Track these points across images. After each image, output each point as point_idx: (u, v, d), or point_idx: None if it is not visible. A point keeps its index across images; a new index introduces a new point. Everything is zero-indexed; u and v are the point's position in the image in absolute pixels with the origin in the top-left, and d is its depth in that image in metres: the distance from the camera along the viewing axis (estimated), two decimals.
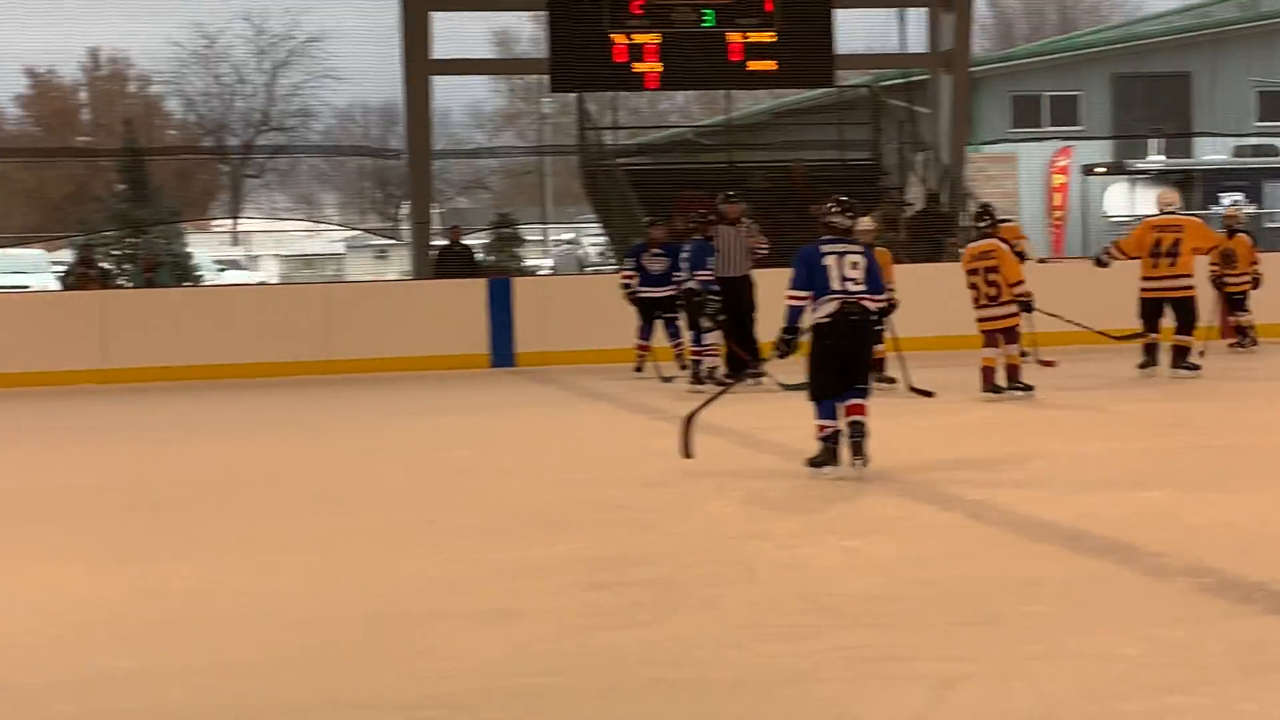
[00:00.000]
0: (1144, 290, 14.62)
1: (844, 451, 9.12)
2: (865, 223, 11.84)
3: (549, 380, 16.92)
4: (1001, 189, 33.44)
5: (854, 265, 9.20)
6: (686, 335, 15.72)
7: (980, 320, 13.14)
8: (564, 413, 13.97)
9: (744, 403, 13.55)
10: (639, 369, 16.81)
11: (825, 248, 9.29)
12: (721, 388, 11.50)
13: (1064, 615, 5.66)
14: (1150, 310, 14.65)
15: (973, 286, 13.13)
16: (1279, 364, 15.83)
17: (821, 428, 9.20)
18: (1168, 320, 14.64)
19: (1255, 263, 17.71)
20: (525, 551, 7.17)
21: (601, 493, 8.95)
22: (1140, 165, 34.26)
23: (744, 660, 5.23)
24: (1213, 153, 35.81)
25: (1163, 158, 34.89)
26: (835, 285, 9.14)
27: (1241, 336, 17.55)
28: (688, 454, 9.33)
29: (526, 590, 6.36)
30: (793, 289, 9.29)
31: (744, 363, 14.86)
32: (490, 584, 6.51)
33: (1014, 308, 12.95)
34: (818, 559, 6.82)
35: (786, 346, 9.38)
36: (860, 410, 9.11)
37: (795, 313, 9.31)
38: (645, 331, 16.85)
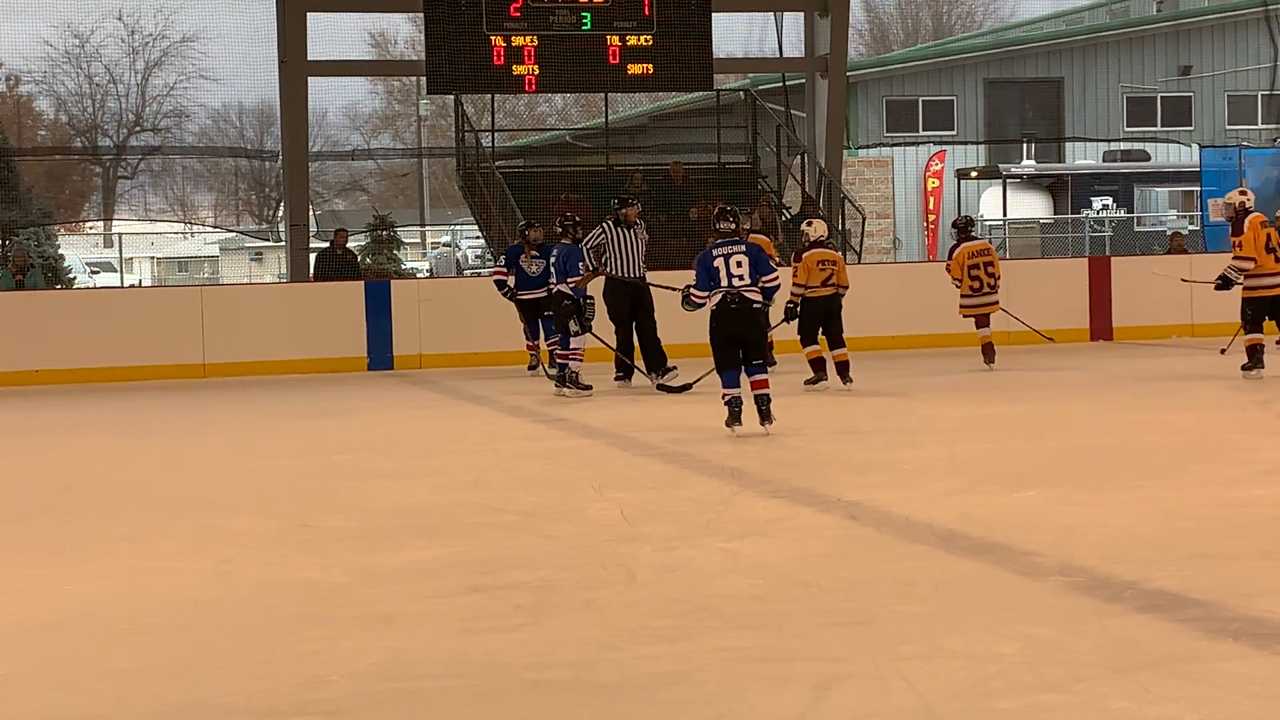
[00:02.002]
0: (1260, 289, 13.95)
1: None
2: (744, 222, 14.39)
3: (426, 383, 16.84)
4: (877, 193, 33.76)
5: (739, 264, 11.01)
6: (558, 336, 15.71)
7: (975, 307, 15.80)
8: (441, 416, 13.90)
9: (623, 405, 13.58)
10: (533, 367, 16.92)
11: (716, 251, 11.13)
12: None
13: (940, 615, 5.71)
14: (1262, 309, 14.08)
15: (975, 279, 15.68)
16: (1164, 367, 16.05)
17: (723, 395, 11.07)
18: None
19: None
20: (403, 555, 7.13)
21: (479, 496, 8.93)
22: (1013, 169, 34.69)
23: (623, 662, 5.23)
24: (1084, 157, 36.35)
25: (1034, 162, 35.35)
26: (724, 282, 10.99)
27: None
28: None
29: (404, 594, 6.33)
30: (695, 289, 11.16)
31: (631, 366, 14.90)
32: (368, 588, 6.46)
33: (997, 296, 15.85)
34: (696, 561, 6.83)
35: (691, 305, 11.30)
36: (761, 385, 10.98)
37: (697, 306, 11.27)
38: (531, 332, 16.89)
